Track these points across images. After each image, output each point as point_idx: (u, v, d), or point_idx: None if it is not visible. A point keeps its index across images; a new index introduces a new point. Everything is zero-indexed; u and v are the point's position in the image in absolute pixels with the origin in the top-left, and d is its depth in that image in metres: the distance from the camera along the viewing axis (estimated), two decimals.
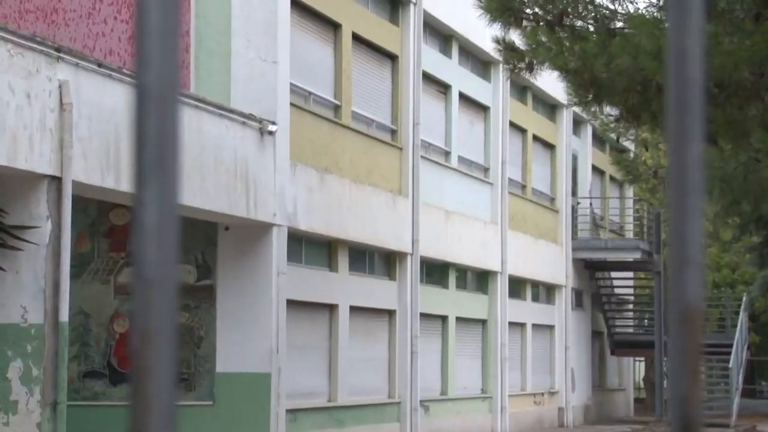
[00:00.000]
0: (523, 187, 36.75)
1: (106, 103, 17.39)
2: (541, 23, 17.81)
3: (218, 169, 20.14)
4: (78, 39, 21.49)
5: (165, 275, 1.45)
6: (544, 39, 17.82)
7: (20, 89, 15.72)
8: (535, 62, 18.14)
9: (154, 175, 1.55)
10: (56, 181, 16.39)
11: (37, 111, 16.01)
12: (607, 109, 20.44)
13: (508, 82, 33.02)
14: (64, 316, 16.49)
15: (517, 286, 35.71)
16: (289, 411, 22.33)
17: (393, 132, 28.10)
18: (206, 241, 22.16)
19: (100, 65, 17.50)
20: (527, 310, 36.75)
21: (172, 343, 1.40)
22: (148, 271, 1.46)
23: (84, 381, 21.72)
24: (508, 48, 18.67)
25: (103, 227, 22.26)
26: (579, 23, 18.05)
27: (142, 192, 1.55)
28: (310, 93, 24.37)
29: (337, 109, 25.51)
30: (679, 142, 1.83)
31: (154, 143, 1.56)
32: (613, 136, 28.19)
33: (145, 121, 1.58)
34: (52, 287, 16.34)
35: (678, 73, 1.83)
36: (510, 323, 34.36)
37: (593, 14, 17.82)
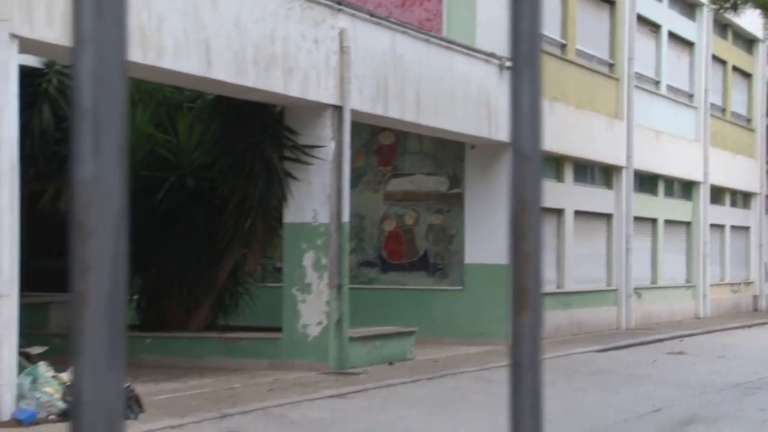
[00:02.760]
0: (723, 110, 35.78)
1: (376, 46, 17.68)
2: None
3: (466, 99, 20.37)
4: None
5: None
6: None
7: (310, 36, 16.13)
8: (738, 2, 17.62)
9: None
10: (338, 109, 16.80)
11: (323, 54, 16.37)
12: None
13: (712, 21, 32.35)
14: (345, 217, 16.92)
15: (718, 194, 34.93)
16: None
17: (611, 65, 27.85)
18: (456, 157, 22.42)
19: (372, 15, 17.84)
20: (726, 214, 35.95)
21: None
22: None
23: (360, 269, 22.03)
24: None
25: (374, 146, 22.62)
26: None
27: None
28: (543, 35, 24.42)
29: (563, 47, 25.37)
30: None
31: None
32: None
33: None
34: (335, 194, 16.77)
35: None
36: (711, 225, 33.70)
37: None
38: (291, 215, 16.87)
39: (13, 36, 11.60)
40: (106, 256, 0.72)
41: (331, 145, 16.73)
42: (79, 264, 0.72)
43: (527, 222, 1.08)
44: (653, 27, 30.37)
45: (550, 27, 24.86)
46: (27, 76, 13.15)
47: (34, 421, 11.39)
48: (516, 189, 1.11)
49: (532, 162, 1.14)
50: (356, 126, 17.82)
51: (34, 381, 11.87)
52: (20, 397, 11.69)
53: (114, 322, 0.73)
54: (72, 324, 0.73)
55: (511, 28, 1.24)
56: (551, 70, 24.49)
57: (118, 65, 0.73)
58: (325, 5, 16.46)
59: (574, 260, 25.51)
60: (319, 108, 16.59)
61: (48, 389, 11.88)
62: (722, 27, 34.90)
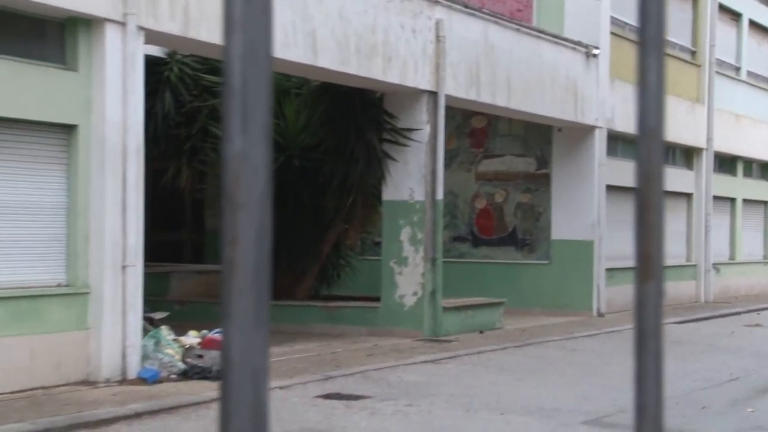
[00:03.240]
0: None
1: (469, 36, 17.58)
2: None
3: (553, 84, 20.20)
4: None
5: None
6: None
7: (408, 27, 16.11)
8: None
9: None
10: (433, 95, 16.75)
11: (420, 43, 16.34)
12: None
13: None
14: (439, 195, 16.89)
15: None
16: (608, 270, 22.41)
17: (693, 52, 27.36)
18: (544, 140, 22.23)
19: (466, 6, 17.69)
20: None
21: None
22: None
23: (453, 243, 22.06)
24: None
25: (466, 129, 22.52)
26: None
27: None
28: (626, 24, 24.05)
29: None
30: None
31: None
32: None
33: None
34: (430, 174, 16.73)
35: None
36: None
37: None
38: (389, 193, 16.90)
39: (140, 28, 11.78)
40: (252, 227, 0.73)
41: (427, 129, 16.71)
42: (228, 234, 0.73)
43: (652, 195, 1.06)
44: (734, 16, 29.71)
45: (634, 14, 24.52)
46: (150, 65, 13.34)
47: (156, 380, 11.59)
48: (641, 163, 1.09)
49: (657, 138, 1.11)
50: (450, 110, 17.75)
51: (157, 343, 12.08)
52: (144, 357, 11.91)
53: (259, 287, 0.74)
54: (221, 289, 0.73)
55: (639, 8, 1.21)
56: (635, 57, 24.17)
57: (264, 49, 0.73)
58: None
59: None
60: (416, 94, 16.58)
61: (169, 351, 12.09)
62: None
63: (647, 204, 1.05)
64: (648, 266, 1.00)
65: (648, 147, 1.08)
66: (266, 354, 0.73)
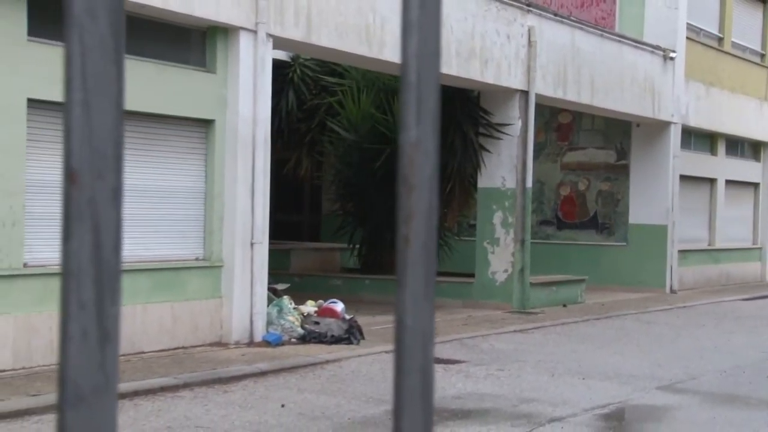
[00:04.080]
0: None
1: (557, 41, 17.37)
2: None
3: (633, 84, 19.87)
4: None
5: None
6: None
7: (503, 33, 15.95)
8: None
9: None
10: (524, 94, 16.58)
11: (513, 47, 16.18)
12: None
13: None
14: (529, 183, 16.75)
15: None
16: (680, 251, 22.05)
17: (762, 56, 26.59)
18: (623, 133, 21.89)
19: (555, 14, 17.51)
20: None
21: None
22: None
23: (540, 227, 21.84)
24: None
25: (554, 124, 22.24)
26: None
27: None
28: (701, 29, 23.50)
29: (720, 40, 24.35)
30: None
31: None
32: None
33: None
34: (521, 164, 16.59)
35: None
36: None
37: None
38: (483, 181, 16.79)
39: (269, 35, 11.88)
40: (423, 205, 0.72)
41: (518, 124, 16.56)
42: (403, 212, 0.72)
43: None
44: None
45: (709, 22, 23.96)
46: (277, 67, 13.45)
47: (279, 343, 11.70)
48: None
49: None
50: (539, 107, 17.59)
51: (280, 311, 12.20)
52: (268, 323, 12.03)
53: (428, 260, 0.73)
54: (398, 262, 0.73)
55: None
56: (709, 59, 23.62)
57: (434, 48, 0.73)
58: (517, 7, 16.27)
59: (723, 222, 24.69)
60: (509, 92, 16.44)
61: (290, 318, 12.20)
62: None
63: None
64: None
65: None
66: (432, 319, 0.73)
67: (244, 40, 11.62)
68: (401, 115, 0.69)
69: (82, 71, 0.66)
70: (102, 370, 0.70)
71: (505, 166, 16.61)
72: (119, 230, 0.70)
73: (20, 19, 9.63)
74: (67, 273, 0.69)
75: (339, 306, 12.73)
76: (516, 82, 16.33)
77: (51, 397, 8.33)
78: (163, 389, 9.10)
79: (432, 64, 0.68)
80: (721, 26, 24.36)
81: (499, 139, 16.55)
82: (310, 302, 12.94)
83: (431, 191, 0.67)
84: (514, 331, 14.19)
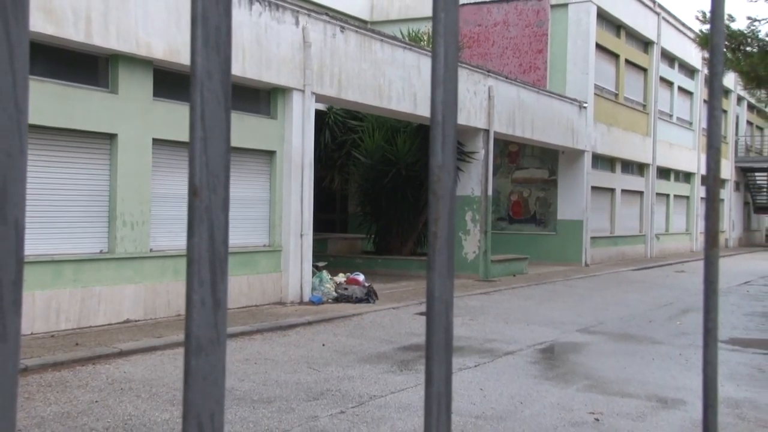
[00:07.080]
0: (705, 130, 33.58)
1: (508, 95, 17.21)
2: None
3: (559, 124, 19.74)
4: (497, 64, 21.58)
5: None
6: (729, 56, 16.12)
7: (471, 90, 15.77)
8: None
9: None
10: (486, 131, 16.38)
11: (479, 99, 15.95)
12: (761, 92, 18.36)
13: (702, 80, 30.18)
14: (490, 192, 16.60)
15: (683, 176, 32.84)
16: (592, 238, 21.92)
17: (644, 105, 26.47)
18: (553, 158, 21.77)
19: (506, 78, 17.39)
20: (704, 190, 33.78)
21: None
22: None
23: (497, 222, 21.72)
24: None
25: (506, 152, 22.13)
26: (748, 48, 16.15)
27: None
28: (604, 88, 23.36)
29: (616, 95, 24.21)
30: None
31: None
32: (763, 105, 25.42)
33: None
34: (484, 179, 16.38)
35: None
36: (700, 198, 31.89)
37: (758, 44, 15.86)
38: (459, 191, 16.67)
39: (312, 93, 11.84)
40: (446, 210, 0.68)
41: (482, 152, 16.44)
42: (432, 215, 0.68)
43: (715, 192, 0.97)
44: (668, 83, 28.65)
45: (609, 83, 23.85)
46: (317, 114, 13.40)
47: (320, 303, 11.65)
48: (709, 169, 1.00)
49: (716, 151, 1.02)
50: (496, 140, 17.61)
51: (320, 281, 12.15)
52: (313, 289, 11.98)
53: (449, 249, 0.69)
54: (428, 251, 0.69)
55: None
56: (609, 108, 23.50)
57: (453, 98, 0.68)
58: (480, 73, 16.17)
59: (620, 217, 24.59)
60: (476, 130, 16.33)
61: (328, 286, 12.16)
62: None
63: (714, 196, 0.96)
64: (714, 239, 0.92)
65: (715, 160, 0.99)
66: (452, 292, 0.69)
67: (296, 97, 11.57)
68: (430, 145, 0.66)
69: (202, 116, 0.62)
70: (215, 328, 0.66)
71: (474, 180, 16.49)
72: (226, 229, 0.66)
73: (148, 86, 9.63)
74: (191, 260, 0.64)
75: (360, 277, 12.67)
76: (480, 123, 16.22)
77: (169, 339, 8.31)
78: (243, 334, 9.06)
79: (452, 108, 0.65)
80: (617, 86, 24.26)
81: (469, 162, 16.43)
82: (341, 274, 12.90)
83: (452, 199, 0.63)
84: (480, 293, 14.11)
